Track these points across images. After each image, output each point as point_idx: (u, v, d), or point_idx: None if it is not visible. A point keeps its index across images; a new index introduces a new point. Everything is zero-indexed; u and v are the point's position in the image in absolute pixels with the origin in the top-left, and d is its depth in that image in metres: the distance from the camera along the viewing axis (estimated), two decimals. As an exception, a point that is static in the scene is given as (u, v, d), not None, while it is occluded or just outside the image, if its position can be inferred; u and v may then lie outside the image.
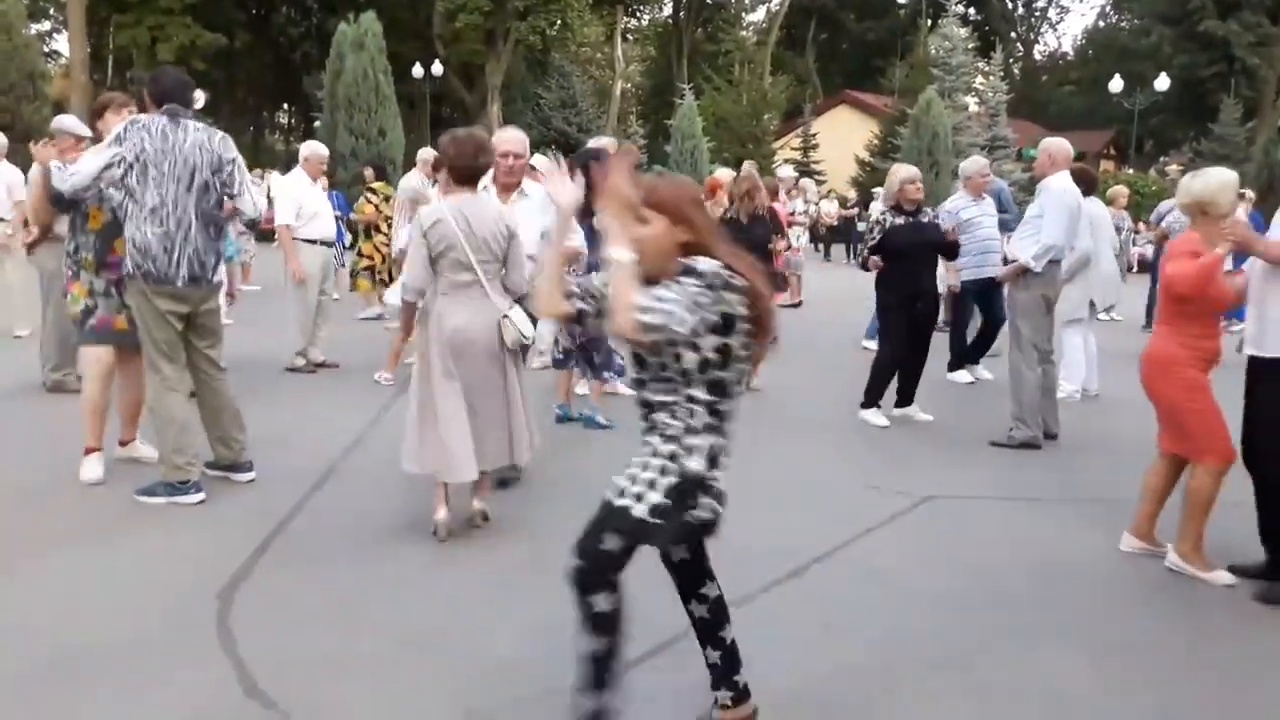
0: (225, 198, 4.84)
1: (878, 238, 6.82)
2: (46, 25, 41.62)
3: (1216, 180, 4.14)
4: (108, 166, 4.53)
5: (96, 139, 5.24)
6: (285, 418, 6.45)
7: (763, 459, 5.93)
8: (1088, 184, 7.33)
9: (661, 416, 2.53)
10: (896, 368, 6.97)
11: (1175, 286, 4.14)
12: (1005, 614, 3.83)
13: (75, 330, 5.13)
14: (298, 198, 7.93)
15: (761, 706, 2.85)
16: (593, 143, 6.76)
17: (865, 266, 6.99)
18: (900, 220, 6.78)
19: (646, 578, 3.84)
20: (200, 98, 30.17)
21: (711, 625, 2.82)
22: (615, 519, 2.51)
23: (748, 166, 13.93)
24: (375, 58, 21.09)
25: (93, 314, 4.98)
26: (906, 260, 6.72)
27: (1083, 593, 4.07)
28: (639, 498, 2.50)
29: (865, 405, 6.96)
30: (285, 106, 47.87)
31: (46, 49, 39.80)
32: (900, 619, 3.75)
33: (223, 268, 5.70)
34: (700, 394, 2.50)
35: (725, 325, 2.44)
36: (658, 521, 2.47)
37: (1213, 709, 3.18)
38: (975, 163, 8.84)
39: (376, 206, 10.90)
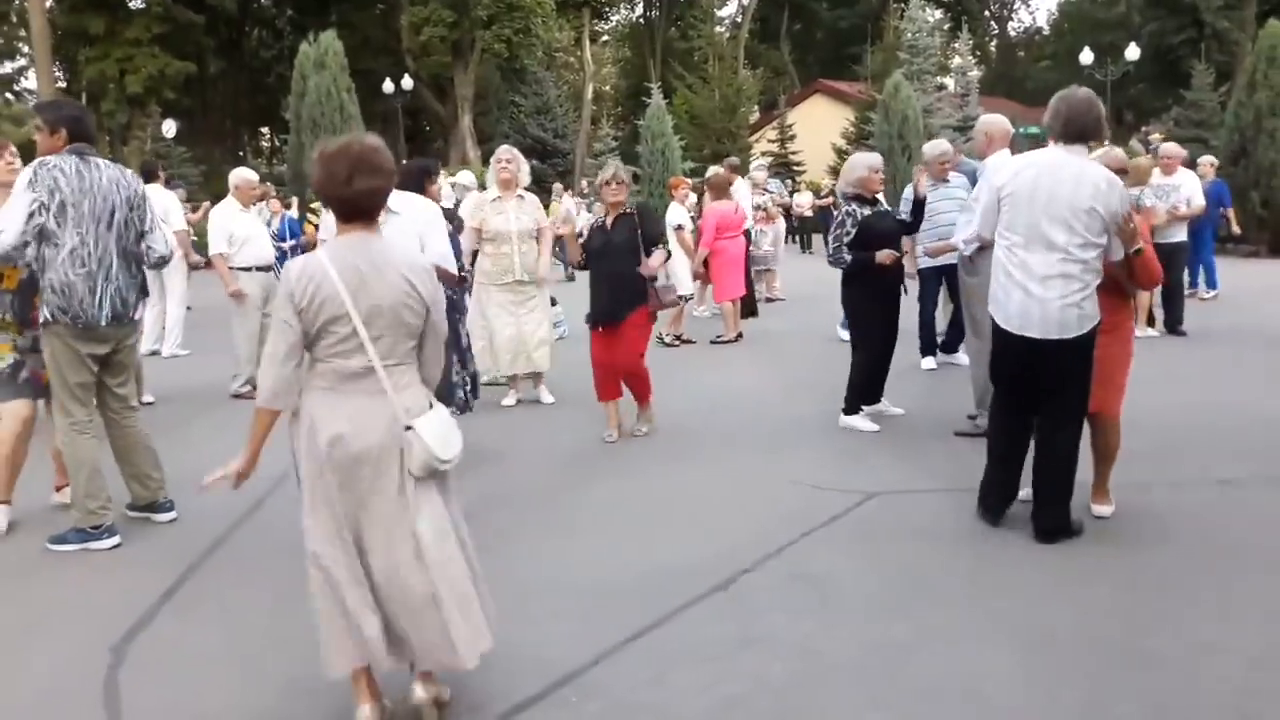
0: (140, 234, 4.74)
1: (853, 232, 6.30)
2: (22, 62, 41.44)
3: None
4: (30, 216, 4.37)
5: None
6: (220, 448, 6.24)
7: (717, 465, 5.80)
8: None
9: None
10: (879, 366, 6.63)
11: None
12: (932, 613, 3.70)
13: (5, 386, 4.87)
14: (227, 226, 8.09)
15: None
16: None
17: (842, 263, 6.35)
18: (867, 210, 6.39)
19: (538, 614, 3.69)
20: (171, 126, 30.26)
21: None
22: None
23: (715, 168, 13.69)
24: (338, 76, 20.90)
25: (23, 367, 4.85)
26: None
27: (1013, 584, 3.93)
28: None
29: (848, 411, 6.60)
30: (263, 130, 47.75)
31: (17, 88, 39.66)
32: (824, 627, 3.62)
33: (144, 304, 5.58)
34: None
35: None
36: None
37: (1146, 700, 3.04)
38: (935, 146, 8.53)
39: (317, 227, 10.79)
